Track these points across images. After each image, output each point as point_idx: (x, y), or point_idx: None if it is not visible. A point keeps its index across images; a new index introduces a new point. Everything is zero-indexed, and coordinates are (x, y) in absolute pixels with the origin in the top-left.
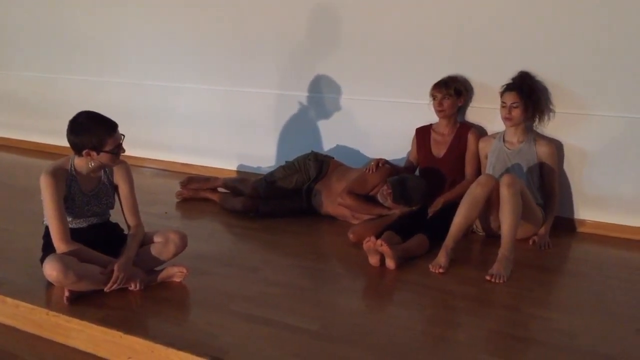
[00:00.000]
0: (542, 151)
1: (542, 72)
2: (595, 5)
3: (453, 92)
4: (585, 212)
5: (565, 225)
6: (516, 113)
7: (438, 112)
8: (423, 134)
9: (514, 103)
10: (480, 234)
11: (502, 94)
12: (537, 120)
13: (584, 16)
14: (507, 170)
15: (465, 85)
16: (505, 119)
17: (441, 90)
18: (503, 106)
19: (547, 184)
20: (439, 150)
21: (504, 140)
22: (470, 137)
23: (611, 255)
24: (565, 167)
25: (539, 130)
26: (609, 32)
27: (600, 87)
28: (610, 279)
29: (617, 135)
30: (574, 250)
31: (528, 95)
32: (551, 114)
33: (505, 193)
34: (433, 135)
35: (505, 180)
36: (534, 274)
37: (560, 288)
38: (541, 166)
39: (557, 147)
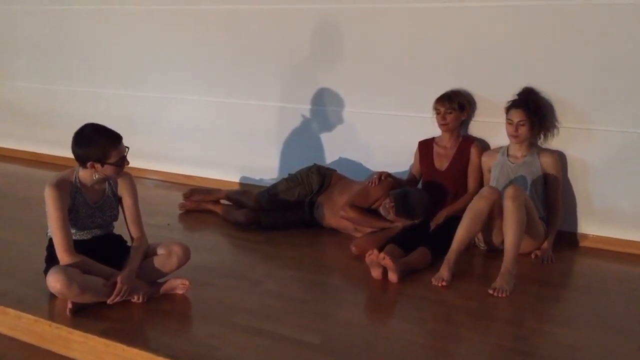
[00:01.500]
0: (546, 162)
1: (545, 87)
2: (598, 21)
3: (457, 106)
4: (588, 227)
5: (567, 240)
6: (523, 131)
7: (441, 125)
8: (426, 147)
9: (520, 121)
10: (482, 247)
11: (507, 110)
12: (542, 137)
13: (587, 31)
14: (511, 183)
15: (469, 99)
16: (512, 136)
17: (444, 104)
18: (509, 123)
19: (551, 195)
20: (441, 163)
21: (507, 155)
22: (473, 151)
23: (614, 270)
24: (568, 181)
25: (542, 145)
26: (613, 47)
27: (603, 101)
28: (613, 294)
29: (620, 150)
30: (576, 265)
31: (535, 112)
32: (555, 130)
33: (509, 206)
34: (436, 148)
35: (509, 193)
36: (536, 288)
37: (563, 302)
38: (545, 177)
39: (560, 157)
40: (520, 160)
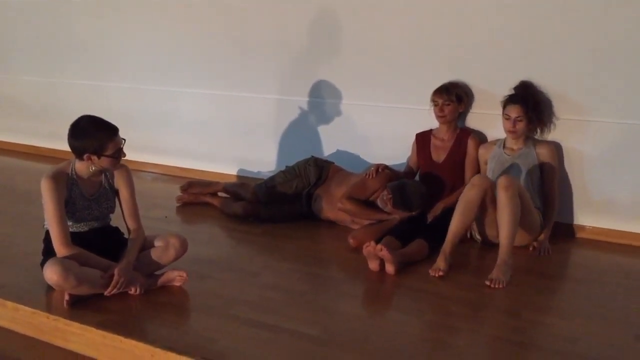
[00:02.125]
0: (542, 152)
1: (541, 78)
2: (595, 12)
3: (454, 98)
4: (584, 218)
5: (564, 231)
6: (520, 126)
7: (439, 117)
8: (423, 139)
9: (518, 117)
10: (478, 239)
11: (505, 105)
12: (538, 132)
13: (584, 22)
14: (506, 173)
15: (466, 91)
16: (510, 132)
17: (442, 96)
18: (507, 118)
19: (547, 185)
20: (439, 155)
21: (504, 147)
22: (470, 143)
23: (611, 261)
24: (565, 172)
25: (539, 138)
26: (609, 38)
27: (600, 93)
28: (609, 285)
29: (616, 141)
30: (573, 256)
31: (533, 108)
32: (552, 125)
33: (502, 196)
34: (433, 140)
35: (502, 183)
36: (533, 279)
37: (560, 294)
38: (542, 167)
39: (556, 147)
40: (517, 152)
